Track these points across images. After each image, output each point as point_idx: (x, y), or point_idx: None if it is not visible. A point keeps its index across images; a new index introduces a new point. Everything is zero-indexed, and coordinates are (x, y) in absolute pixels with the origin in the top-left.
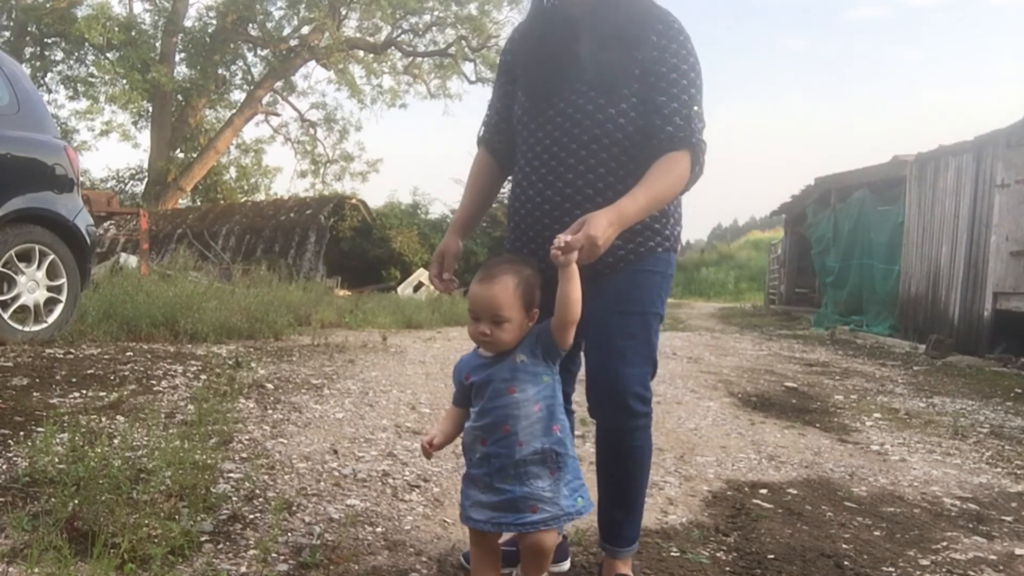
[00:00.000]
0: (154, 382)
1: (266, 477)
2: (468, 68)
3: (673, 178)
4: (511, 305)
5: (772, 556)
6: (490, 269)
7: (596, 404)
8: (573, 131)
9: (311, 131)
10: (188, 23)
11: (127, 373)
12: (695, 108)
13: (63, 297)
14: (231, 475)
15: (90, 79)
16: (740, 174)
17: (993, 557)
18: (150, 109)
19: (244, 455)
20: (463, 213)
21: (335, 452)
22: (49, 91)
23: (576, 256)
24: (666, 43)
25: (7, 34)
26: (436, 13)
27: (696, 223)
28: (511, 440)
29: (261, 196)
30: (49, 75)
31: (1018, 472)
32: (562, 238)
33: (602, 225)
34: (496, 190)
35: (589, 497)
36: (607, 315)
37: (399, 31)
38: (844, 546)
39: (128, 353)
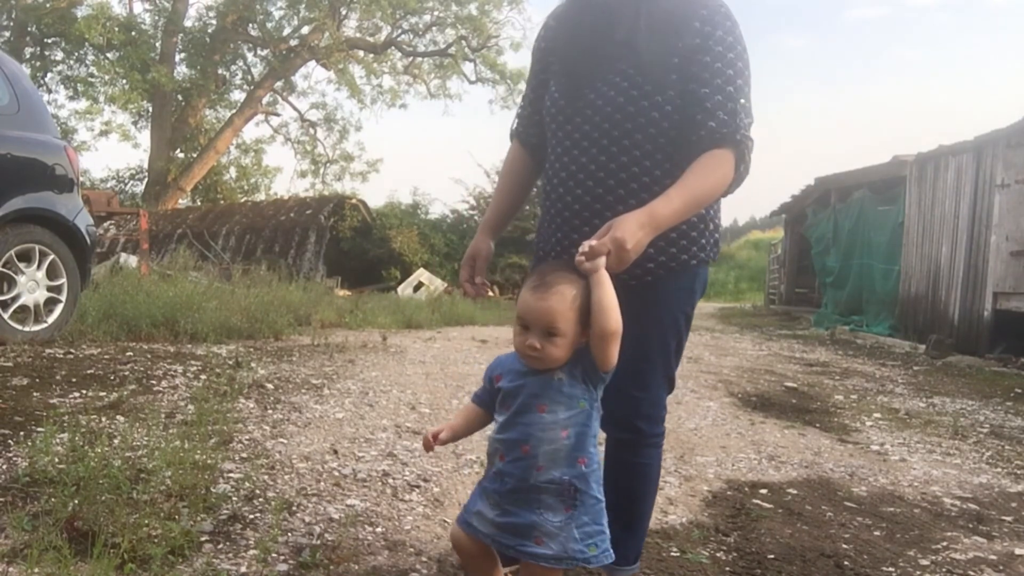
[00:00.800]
0: (154, 382)
1: (266, 477)
2: (468, 68)
3: (715, 178)
4: (567, 319)
5: (772, 556)
6: (546, 276)
7: (610, 420)
8: (604, 126)
9: (311, 131)
10: (188, 23)
11: (127, 373)
12: (741, 101)
13: (63, 297)
14: (231, 475)
15: (90, 79)
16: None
17: (993, 557)
18: (150, 109)
19: (244, 455)
20: (494, 212)
21: (335, 452)
22: (49, 91)
23: (603, 262)
24: (710, 29)
25: (7, 34)
26: (436, 13)
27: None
28: (529, 462)
29: (261, 196)
30: (49, 75)
31: (1018, 472)
32: (587, 243)
33: (631, 228)
34: (530, 187)
35: (608, 548)
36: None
37: (399, 31)
38: (844, 546)
39: (128, 353)
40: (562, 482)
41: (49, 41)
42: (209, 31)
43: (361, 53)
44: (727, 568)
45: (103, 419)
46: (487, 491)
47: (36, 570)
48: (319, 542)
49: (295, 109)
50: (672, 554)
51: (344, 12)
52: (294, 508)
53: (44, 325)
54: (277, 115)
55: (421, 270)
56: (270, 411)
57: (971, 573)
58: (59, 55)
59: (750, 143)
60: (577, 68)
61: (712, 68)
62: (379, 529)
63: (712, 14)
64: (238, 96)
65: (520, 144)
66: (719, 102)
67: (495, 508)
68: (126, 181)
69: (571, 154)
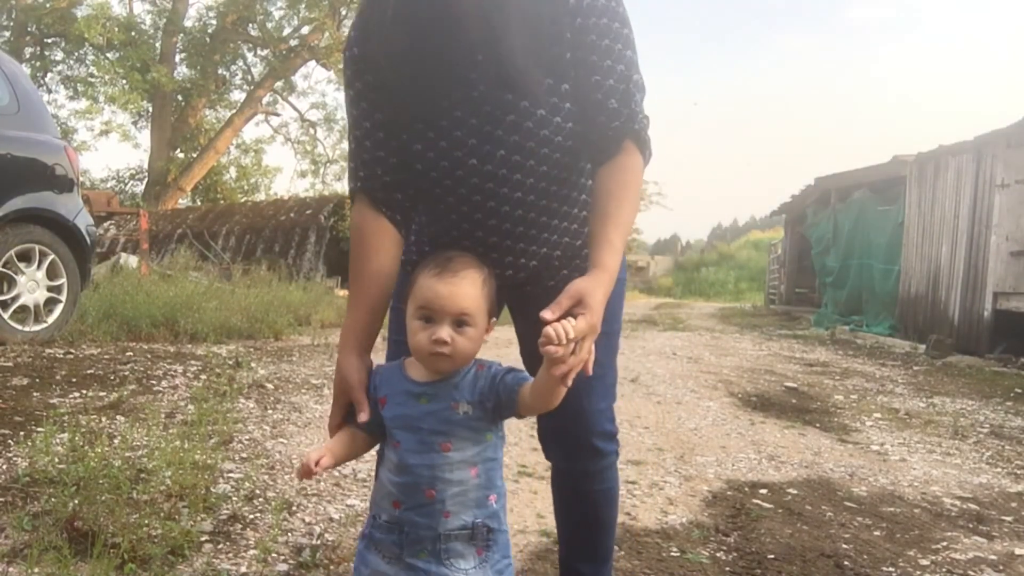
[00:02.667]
0: (154, 382)
1: (266, 477)
2: None
3: (635, 192)
4: (479, 307)
5: (772, 556)
6: (450, 261)
7: (554, 447)
8: (497, 153)
9: (311, 131)
10: (188, 23)
11: (127, 373)
12: (635, 77)
13: (63, 297)
14: (231, 475)
15: (90, 79)
16: (740, 174)
17: (993, 557)
18: (150, 109)
19: (244, 455)
20: (360, 316)
21: None
22: (49, 91)
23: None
24: (597, 5)
25: (7, 34)
26: None
27: (696, 223)
28: (435, 509)
29: (261, 196)
30: (49, 75)
31: (1018, 472)
32: (560, 328)
33: (600, 301)
34: (397, 258)
35: None
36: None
37: None
38: (844, 546)
39: (128, 353)
40: (475, 526)
41: (49, 41)
42: (209, 31)
43: None
44: (727, 568)
45: (103, 419)
46: (380, 543)
47: (36, 570)
48: (319, 542)
49: (295, 109)
50: (672, 554)
51: (344, 12)
52: (294, 508)
53: (44, 325)
54: (277, 115)
55: None
56: (270, 411)
57: (971, 573)
58: (59, 55)
59: (647, 124)
60: (431, 88)
61: (600, 47)
62: None
63: None
64: (238, 96)
65: (371, 204)
66: (612, 87)
67: (393, 563)
68: (126, 181)
69: (457, 194)
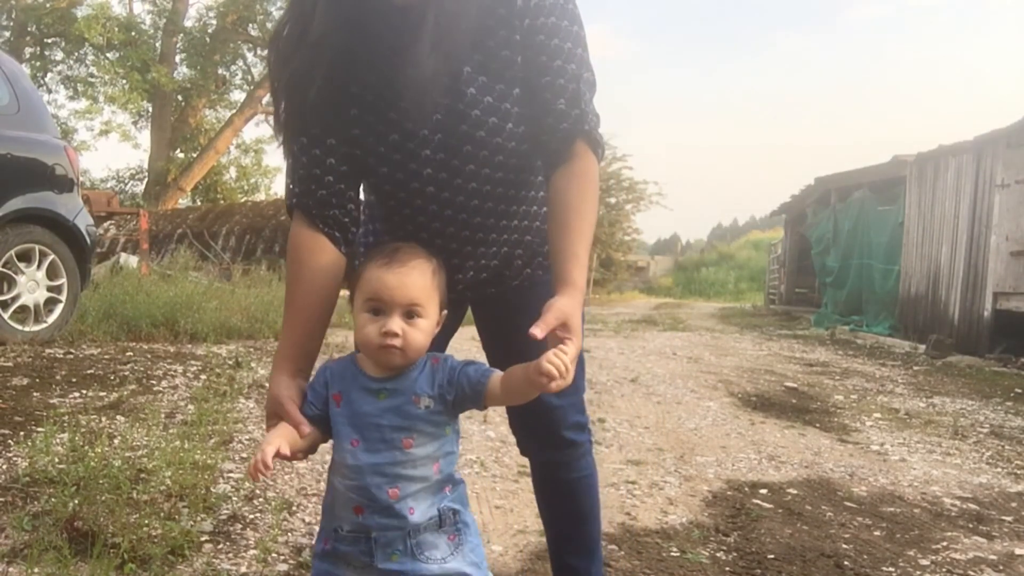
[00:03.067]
0: (154, 382)
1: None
2: None
3: (593, 197)
4: (429, 297)
5: (772, 556)
6: (397, 252)
7: (527, 441)
8: (451, 163)
9: None
10: (188, 23)
11: (127, 373)
12: (585, 75)
13: (63, 297)
14: (231, 475)
15: (90, 79)
16: (740, 174)
17: (993, 557)
18: (150, 109)
19: (244, 455)
20: (295, 337)
21: None
22: (49, 91)
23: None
24: (545, 4)
25: (7, 34)
26: None
27: (696, 223)
28: (402, 507)
29: (261, 196)
30: (49, 75)
31: (1018, 472)
32: (557, 362)
33: (580, 321)
34: (339, 278)
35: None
36: (528, 342)
37: None
38: (844, 546)
39: (128, 353)
40: (441, 512)
41: (49, 41)
42: (209, 31)
43: None
44: (727, 568)
45: (103, 419)
46: (347, 556)
47: (36, 570)
48: None
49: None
50: (672, 554)
51: None
52: (294, 508)
53: (44, 325)
54: None
55: None
56: None
57: (971, 573)
58: (59, 55)
59: (597, 123)
60: (381, 98)
61: (550, 47)
62: None
63: None
64: (238, 96)
65: (311, 223)
66: (561, 87)
67: (366, 572)
68: (126, 181)
69: (412, 206)
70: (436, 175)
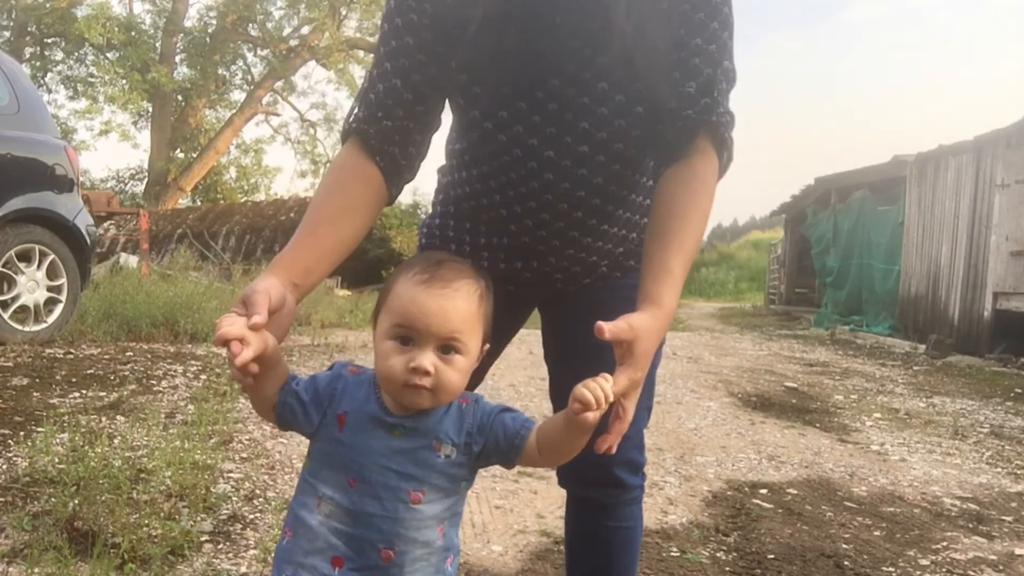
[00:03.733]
0: (154, 382)
1: (266, 477)
2: None
3: (706, 208)
4: (472, 328)
5: (772, 556)
6: (440, 267)
7: (568, 471)
8: (563, 139)
9: (311, 131)
10: (188, 23)
11: (127, 373)
12: (725, 63)
13: (63, 297)
14: (231, 475)
15: (90, 79)
16: (740, 174)
17: (993, 557)
18: (150, 109)
19: (244, 455)
20: (307, 250)
21: None
22: (49, 91)
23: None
24: None
25: (7, 34)
26: None
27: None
28: (390, 573)
29: (261, 196)
30: (49, 75)
31: (1018, 472)
32: (597, 390)
33: (650, 350)
34: (371, 218)
35: None
36: (598, 348)
37: None
38: (844, 546)
39: (128, 353)
40: None
41: (49, 41)
42: (209, 31)
43: (361, 53)
44: (727, 568)
45: (103, 419)
46: None
47: (36, 570)
48: None
49: (295, 109)
50: (672, 554)
51: (344, 12)
52: None
53: (44, 325)
54: (277, 115)
55: None
56: None
57: (971, 573)
58: (59, 55)
59: (731, 120)
60: (513, 60)
61: (693, 21)
62: None
63: None
64: (238, 96)
65: (366, 150)
66: (694, 68)
67: None
68: (126, 181)
69: (518, 171)
70: (542, 150)
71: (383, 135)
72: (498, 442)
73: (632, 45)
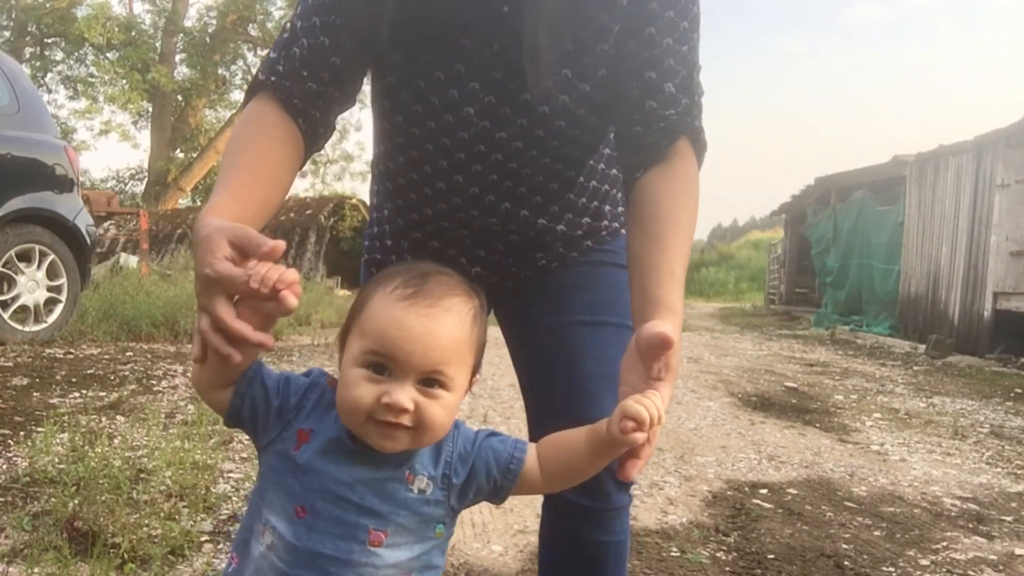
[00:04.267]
0: (154, 382)
1: None
2: None
3: (694, 209)
4: (462, 358)
5: (772, 556)
6: (427, 281)
7: (554, 507)
8: (496, 135)
9: None
10: (188, 23)
11: (127, 373)
12: (698, 65)
13: (63, 297)
14: (231, 475)
15: (90, 79)
16: (740, 174)
17: (993, 557)
18: (150, 109)
19: (244, 455)
20: (245, 199)
21: None
22: (49, 91)
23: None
24: None
25: (7, 34)
26: None
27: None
28: None
29: None
30: (49, 75)
31: (1018, 472)
32: (651, 405)
33: (679, 351)
34: (290, 178)
35: None
36: (566, 329)
37: None
38: (844, 546)
39: (128, 353)
40: None
41: (49, 41)
42: (209, 31)
43: None
44: (727, 568)
45: (103, 419)
46: None
47: (36, 570)
48: None
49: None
50: (672, 554)
51: None
52: None
53: (44, 325)
54: None
55: None
56: None
57: (971, 573)
58: (59, 55)
59: (701, 121)
60: (448, 39)
61: (661, 19)
62: None
63: None
64: (238, 96)
65: (286, 108)
66: (670, 68)
67: None
68: (126, 181)
69: (451, 160)
70: (473, 144)
71: (307, 97)
72: (488, 470)
73: (593, 41)
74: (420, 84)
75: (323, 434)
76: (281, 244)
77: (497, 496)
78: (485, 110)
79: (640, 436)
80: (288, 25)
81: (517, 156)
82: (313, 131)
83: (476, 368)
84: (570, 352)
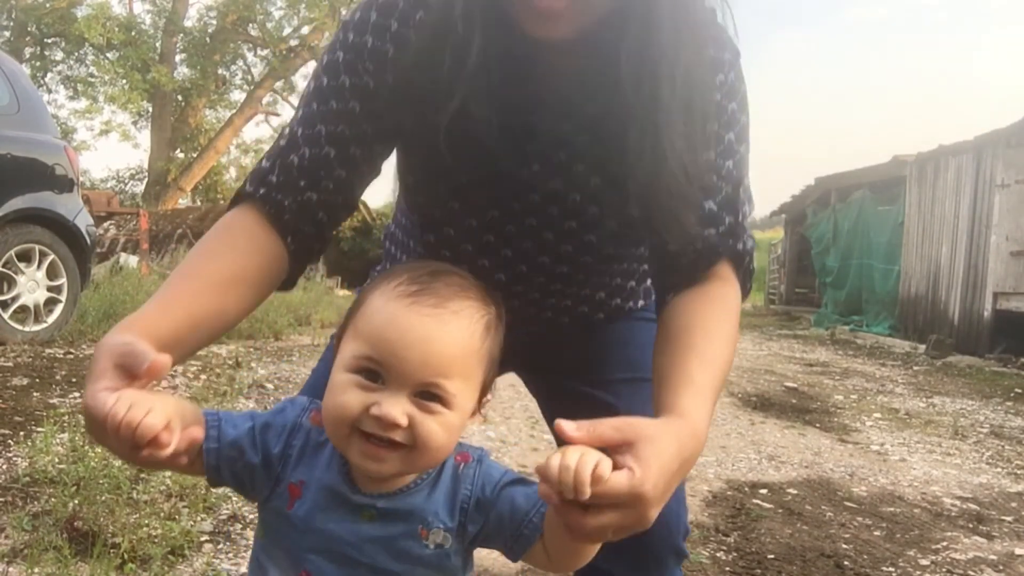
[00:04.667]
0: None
1: None
2: None
3: (733, 334)
4: (468, 373)
5: (772, 556)
6: (436, 279)
7: (615, 553)
8: (523, 244)
9: None
10: (188, 23)
11: None
12: (745, 182)
13: (63, 297)
14: None
15: (90, 79)
16: None
17: (993, 557)
18: (150, 109)
19: None
20: (188, 306)
21: None
22: (49, 91)
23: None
24: (711, 84)
25: (7, 34)
26: None
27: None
28: None
29: None
30: (49, 75)
31: (1018, 472)
32: (567, 459)
33: (667, 463)
34: (262, 297)
35: None
36: (603, 387)
37: None
38: (844, 546)
39: None
40: None
41: (49, 41)
42: (209, 31)
43: None
44: (727, 568)
45: None
46: None
47: (36, 570)
48: None
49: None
50: None
51: (344, 12)
52: None
53: (44, 325)
54: (277, 115)
55: None
56: None
57: (971, 573)
58: (59, 55)
59: (753, 247)
60: (500, 154)
61: (720, 140)
62: None
63: (732, 59)
64: (238, 96)
65: (273, 222)
66: (712, 185)
67: None
68: (126, 181)
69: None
70: (498, 248)
71: (302, 210)
72: (501, 525)
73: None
74: (472, 222)
75: (316, 484)
76: (161, 360)
77: (511, 554)
78: (529, 231)
79: (546, 492)
80: (287, 131)
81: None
82: (303, 247)
83: (486, 388)
84: (608, 410)
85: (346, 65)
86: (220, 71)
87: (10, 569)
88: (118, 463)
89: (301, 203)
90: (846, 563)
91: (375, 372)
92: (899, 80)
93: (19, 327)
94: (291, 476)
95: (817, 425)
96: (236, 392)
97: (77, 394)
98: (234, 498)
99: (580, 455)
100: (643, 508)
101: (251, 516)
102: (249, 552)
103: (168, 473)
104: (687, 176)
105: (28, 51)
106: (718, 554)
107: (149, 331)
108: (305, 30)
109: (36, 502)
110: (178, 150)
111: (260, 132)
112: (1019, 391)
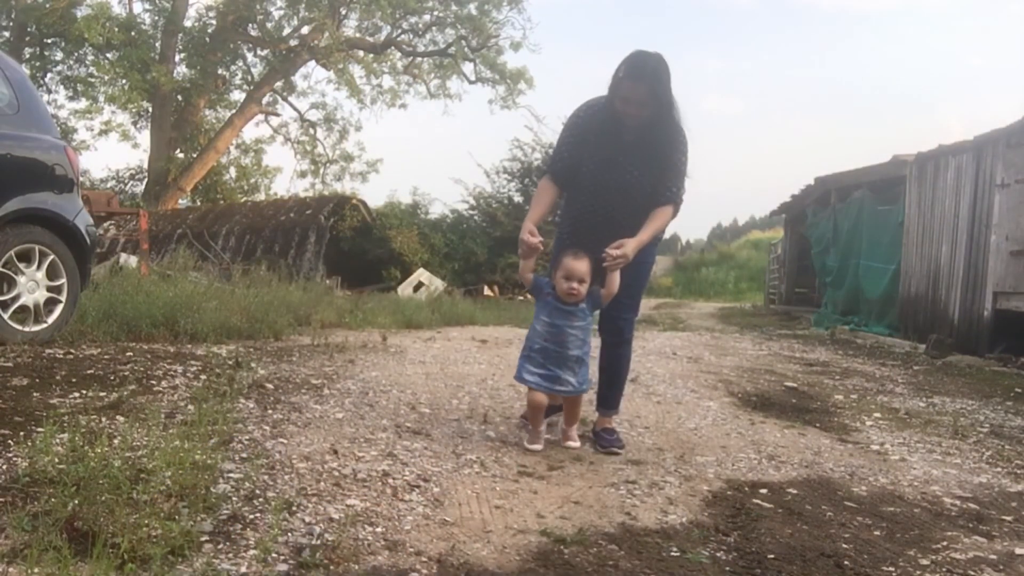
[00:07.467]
0: (154, 382)
1: (266, 477)
2: (468, 68)
3: (664, 221)
4: (588, 274)
5: (772, 556)
6: (578, 253)
7: (603, 331)
8: (625, 191)
9: (311, 131)
10: (188, 23)
11: (127, 373)
12: (683, 171)
13: (63, 297)
14: (231, 475)
15: (90, 79)
16: (740, 174)
17: (993, 557)
18: (150, 109)
19: (244, 455)
20: (537, 216)
21: (335, 452)
22: (49, 91)
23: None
24: (677, 143)
25: (7, 34)
26: (436, 13)
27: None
28: (565, 347)
29: (261, 196)
30: (49, 75)
31: (1018, 472)
32: (615, 253)
33: (632, 249)
34: (556, 205)
35: (589, 381)
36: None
37: (399, 31)
38: (844, 546)
39: (128, 353)
40: (578, 357)
41: (49, 41)
42: (209, 31)
43: (361, 53)
44: (727, 568)
45: (103, 419)
46: (532, 358)
47: (36, 570)
48: (319, 542)
49: (295, 109)
50: (672, 554)
51: (344, 12)
52: (294, 508)
53: (44, 325)
54: (277, 115)
55: (421, 270)
56: (270, 411)
57: (971, 573)
58: (59, 55)
59: (682, 198)
60: (610, 153)
61: (673, 159)
62: (379, 529)
63: (678, 137)
64: (238, 96)
65: (554, 183)
66: (672, 177)
67: (540, 367)
68: (126, 181)
69: (603, 197)
70: (610, 198)
71: (564, 175)
72: (594, 297)
73: (657, 165)
74: (589, 173)
75: (555, 308)
76: (529, 239)
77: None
78: (612, 184)
79: (611, 264)
80: (560, 140)
81: (619, 209)
82: (563, 188)
83: (592, 279)
84: (619, 296)
85: (578, 121)
86: (220, 71)
87: (10, 569)
88: (118, 463)
89: (564, 175)
90: (846, 563)
91: (568, 277)
92: (899, 80)
93: (19, 327)
94: (545, 293)
95: (817, 425)
96: (236, 392)
97: (77, 394)
98: (234, 498)
99: (616, 251)
100: (626, 257)
101: (251, 516)
102: (249, 552)
103: (168, 473)
104: (667, 171)
105: (28, 51)
106: (718, 554)
107: (533, 223)
108: (305, 30)
109: (36, 502)
110: (178, 150)
111: (260, 132)
112: (1019, 391)
